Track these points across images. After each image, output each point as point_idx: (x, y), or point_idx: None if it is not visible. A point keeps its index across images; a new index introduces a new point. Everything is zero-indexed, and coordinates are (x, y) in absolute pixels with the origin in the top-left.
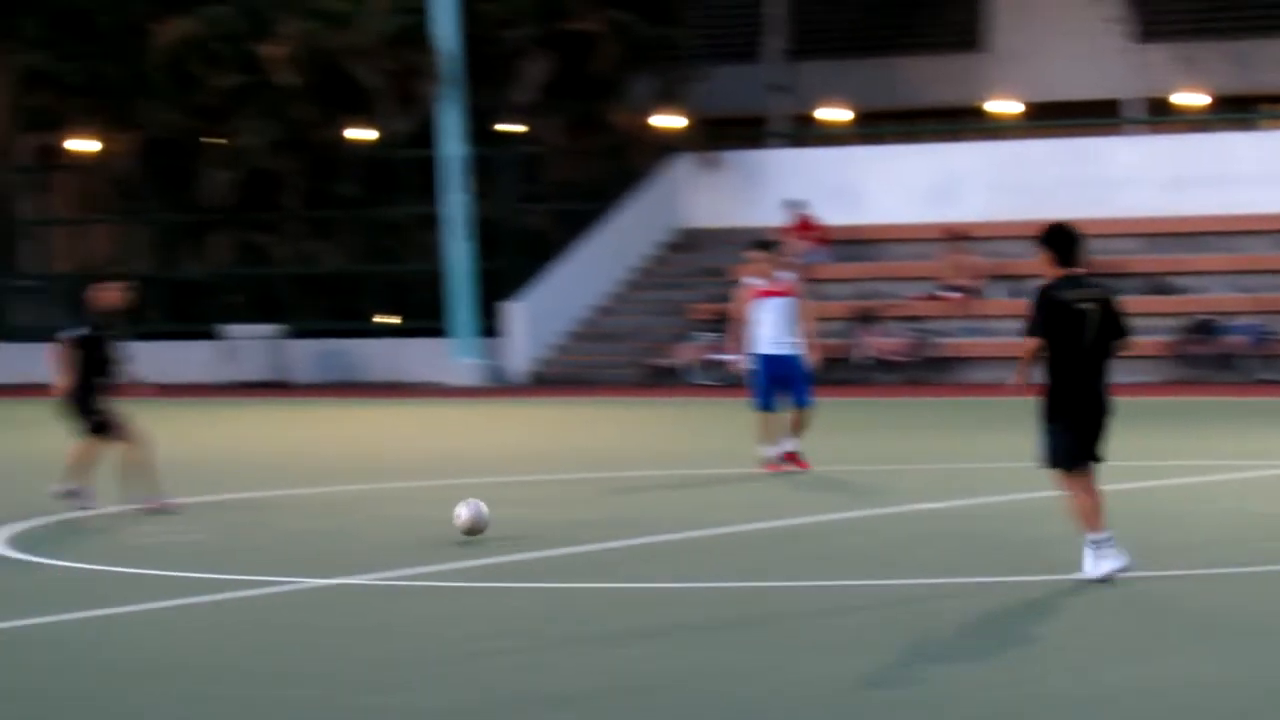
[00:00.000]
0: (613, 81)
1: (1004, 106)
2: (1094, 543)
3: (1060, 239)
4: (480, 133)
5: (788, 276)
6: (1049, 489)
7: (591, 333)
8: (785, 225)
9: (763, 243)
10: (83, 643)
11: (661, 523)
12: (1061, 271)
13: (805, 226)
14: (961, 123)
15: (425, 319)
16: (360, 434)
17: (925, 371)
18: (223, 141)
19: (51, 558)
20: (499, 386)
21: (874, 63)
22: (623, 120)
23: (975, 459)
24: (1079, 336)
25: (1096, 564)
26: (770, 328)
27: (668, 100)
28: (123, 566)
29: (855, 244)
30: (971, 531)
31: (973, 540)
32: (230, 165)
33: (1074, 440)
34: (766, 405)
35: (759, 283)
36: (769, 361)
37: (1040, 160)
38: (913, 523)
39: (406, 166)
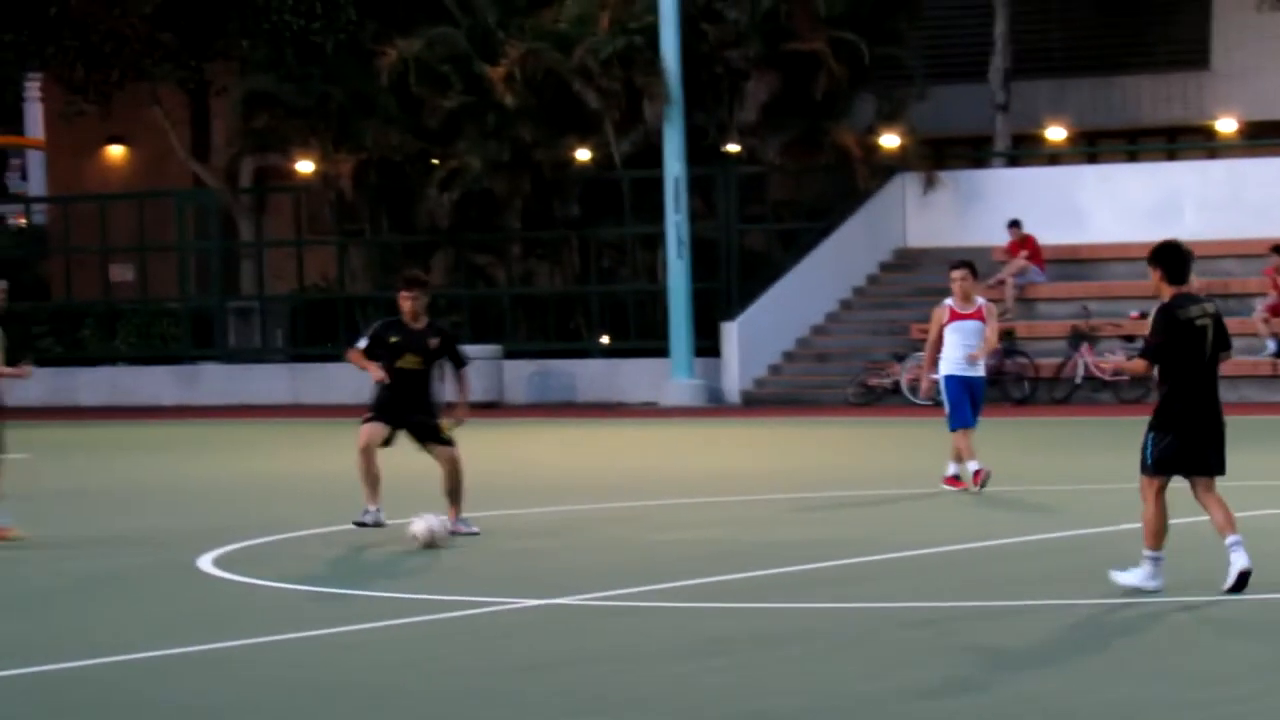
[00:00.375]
0: (835, 101)
1: (1224, 125)
2: (1150, 559)
3: (1173, 257)
4: (702, 152)
5: (981, 301)
6: (1261, 508)
7: (809, 352)
8: (1005, 244)
9: (964, 263)
10: (291, 663)
11: (871, 543)
12: (1175, 289)
13: (1025, 245)
14: (1182, 141)
15: (642, 339)
16: (574, 455)
17: (1143, 391)
18: (444, 162)
19: (258, 578)
20: (715, 407)
21: (1095, 81)
22: (845, 140)
23: None
24: (1200, 352)
25: (1135, 574)
26: (960, 349)
27: (890, 119)
28: (333, 587)
29: (1074, 263)
30: (1177, 548)
31: (1175, 558)
32: (451, 186)
33: (1176, 451)
34: (957, 423)
35: (954, 304)
36: (957, 381)
37: (1261, 179)
38: (1123, 541)
39: (628, 186)
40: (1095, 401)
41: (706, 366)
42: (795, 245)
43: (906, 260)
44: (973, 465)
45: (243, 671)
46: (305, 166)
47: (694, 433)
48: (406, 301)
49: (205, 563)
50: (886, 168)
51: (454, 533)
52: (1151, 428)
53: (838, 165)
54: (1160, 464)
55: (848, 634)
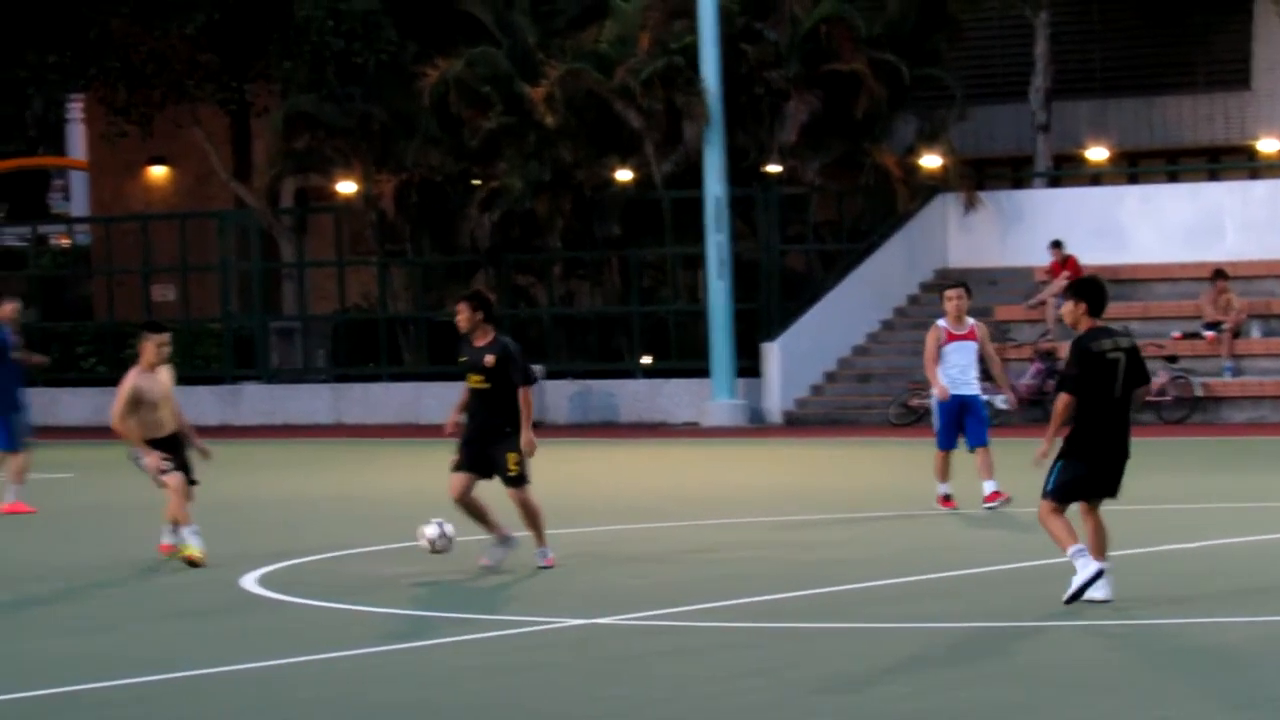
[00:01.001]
0: (876, 121)
1: (1265, 145)
2: (1074, 554)
3: (1093, 291)
4: (743, 172)
5: (972, 321)
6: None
7: (850, 373)
8: (1047, 265)
9: (959, 283)
10: (332, 682)
11: (909, 563)
12: (1093, 323)
13: (1066, 266)
14: (1223, 161)
15: (684, 359)
16: (615, 475)
17: (1185, 411)
18: (486, 182)
19: (301, 597)
20: (757, 427)
21: (1136, 101)
22: (885, 160)
23: (1232, 499)
24: (1110, 385)
25: (1075, 579)
26: (953, 369)
27: (931, 140)
28: (375, 607)
29: (1116, 283)
30: (1219, 571)
31: (1213, 580)
32: (492, 206)
33: (1081, 480)
34: (945, 444)
35: (948, 325)
36: (949, 402)
37: None
38: (1151, 562)
39: (669, 207)
40: (1137, 422)
41: (748, 387)
42: (836, 266)
43: (948, 281)
44: (944, 489)
45: (284, 691)
46: (346, 187)
47: (736, 453)
48: (457, 316)
49: (249, 582)
50: (927, 188)
51: (543, 566)
52: (1061, 455)
53: (878, 186)
54: (1062, 491)
55: (889, 655)
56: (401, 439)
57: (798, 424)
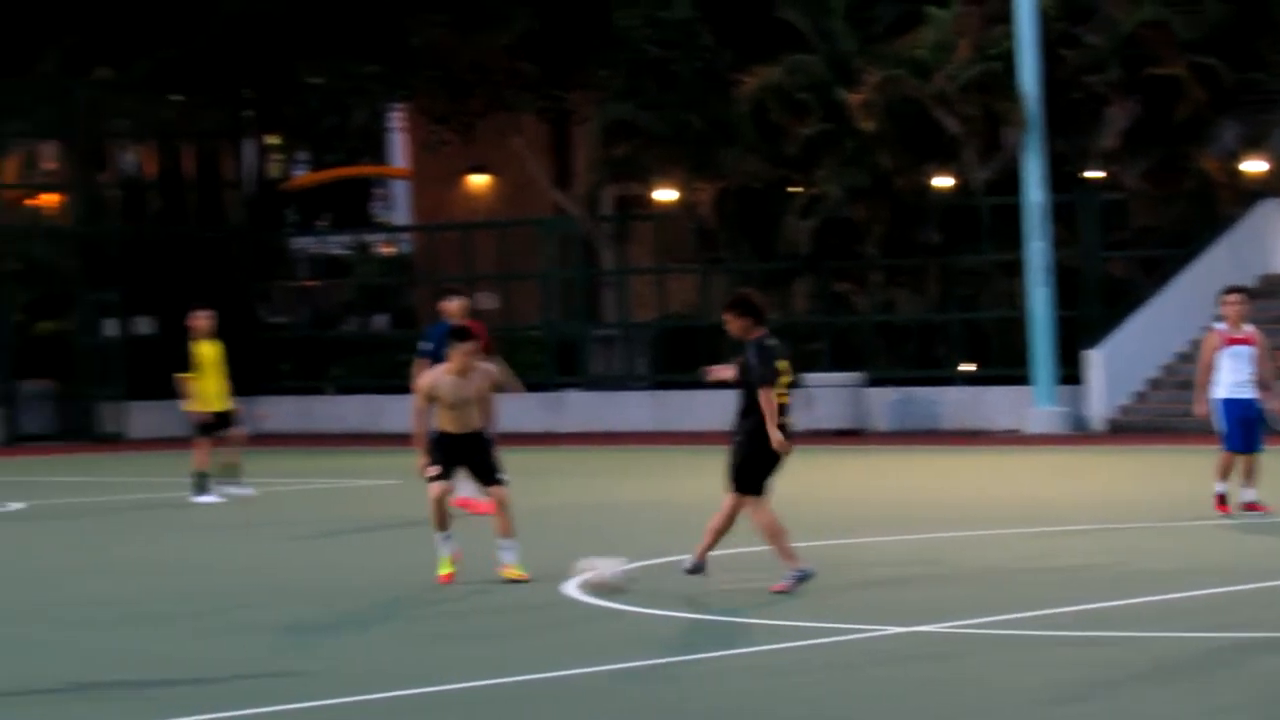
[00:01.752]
0: (1197, 126)
1: None
2: None
3: None
4: (1062, 179)
5: (1251, 327)
6: None
7: (1174, 380)
8: None
9: (1239, 288)
10: (656, 689)
11: (1234, 571)
12: None
13: None
14: None
15: (1004, 366)
16: (937, 482)
17: None
18: (804, 189)
19: (624, 604)
20: (1079, 434)
21: None
22: (1208, 166)
23: None
24: None
25: None
26: (1232, 373)
27: (1254, 145)
28: (696, 614)
29: None
30: None
31: None
32: (811, 213)
33: None
34: (1236, 447)
35: (1227, 329)
36: (1231, 405)
37: None
38: None
39: (988, 213)
40: None
41: (1069, 394)
42: (1158, 272)
43: (1274, 287)
44: (1250, 494)
45: (608, 699)
46: (665, 194)
47: (1060, 460)
48: (727, 325)
49: (571, 588)
50: (1251, 194)
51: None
52: None
53: (1200, 191)
54: None
55: (1209, 664)
56: (722, 446)
57: (1122, 431)
